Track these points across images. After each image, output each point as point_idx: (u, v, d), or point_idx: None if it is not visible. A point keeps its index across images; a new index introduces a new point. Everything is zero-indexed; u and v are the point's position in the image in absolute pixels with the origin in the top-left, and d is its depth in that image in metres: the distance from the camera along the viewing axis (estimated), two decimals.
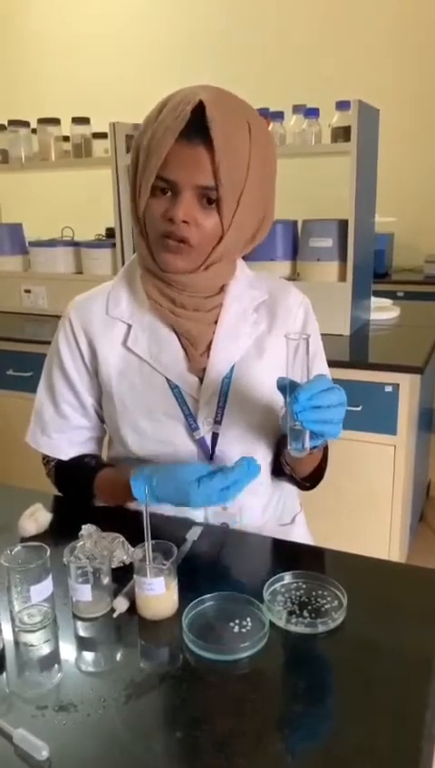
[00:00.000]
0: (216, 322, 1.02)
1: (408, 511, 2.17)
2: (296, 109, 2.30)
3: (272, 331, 1.04)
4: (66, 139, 2.66)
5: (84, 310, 1.05)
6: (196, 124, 0.85)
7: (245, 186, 0.89)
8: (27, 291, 2.76)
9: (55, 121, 2.60)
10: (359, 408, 1.94)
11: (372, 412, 1.96)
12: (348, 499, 2.04)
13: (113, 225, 2.55)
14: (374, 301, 2.58)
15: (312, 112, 2.24)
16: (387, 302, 2.69)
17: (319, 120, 2.25)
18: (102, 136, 2.57)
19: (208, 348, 1.01)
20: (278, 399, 1.03)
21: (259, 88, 2.46)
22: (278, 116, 2.28)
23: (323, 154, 2.33)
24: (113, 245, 2.59)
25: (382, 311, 2.58)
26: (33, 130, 2.66)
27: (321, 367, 1.10)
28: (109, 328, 1.03)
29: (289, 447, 0.86)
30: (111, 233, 2.97)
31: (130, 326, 1.02)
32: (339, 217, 2.20)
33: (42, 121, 2.60)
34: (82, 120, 2.56)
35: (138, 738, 0.64)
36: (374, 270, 2.54)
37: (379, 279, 2.99)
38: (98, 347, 1.03)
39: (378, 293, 2.66)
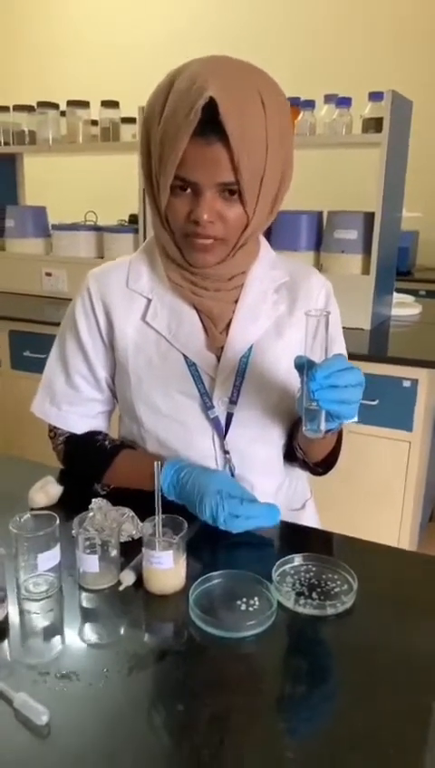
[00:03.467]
0: (236, 301, 1.00)
1: (419, 509, 2.14)
2: (328, 98, 2.27)
3: (292, 313, 1.02)
4: (94, 123, 2.65)
5: (104, 281, 1.04)
6: (209, 118, 0.81)
7: (265, 167, 0.87)
8: (48, 274, 2.76)
9: (84, 104, 2.59)
10: (375, 403, 1.92)
11: (388, 407, 1.93)
12: (359, 494, 2.01)
13: (137, 211, 2.55)
14: (396, 296, 2.55)
15: (344, 102, 2.20)
16: (409, 298, 2.66)
17: (350, 110, 2.22)
18: (131, 121, 2.57)
19: (228, 327, 1.00)
20: (295, 382, 1.01)
21: (291, 75, 2.43)
22: (309, 105, 2.26)
23: (353, 145, 2.31)
24: (135, 231, 2.59)
25: (404, 307, 2.55)
26: (62, 113, 2.66)
27: (339, 352, 1.08)
28: (128, 301, 1.02)
29: (304, 428, 0.84)
30: (133, 219, 2.97)
31: (149, 301, 1.01)
32: (364, 210, 2.17)
33: (71, 104, 2.59)
34: (111, 104, 2.56)
35: (138, 709, 0.63)
36: (397, 268, 2.51)
37: (401, 277, 2.96)
38: (115, 319, 1.02)
39: (400, 291, 2.62)
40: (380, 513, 2.02)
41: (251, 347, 1.00)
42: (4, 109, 2.72)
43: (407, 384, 1.92)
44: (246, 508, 0.88)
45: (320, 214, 2.36)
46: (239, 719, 0.62)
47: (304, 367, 0.79)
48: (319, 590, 0.80)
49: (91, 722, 0.62)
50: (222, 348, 1.00)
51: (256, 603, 0.77)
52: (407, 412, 1.94)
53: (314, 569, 0.84)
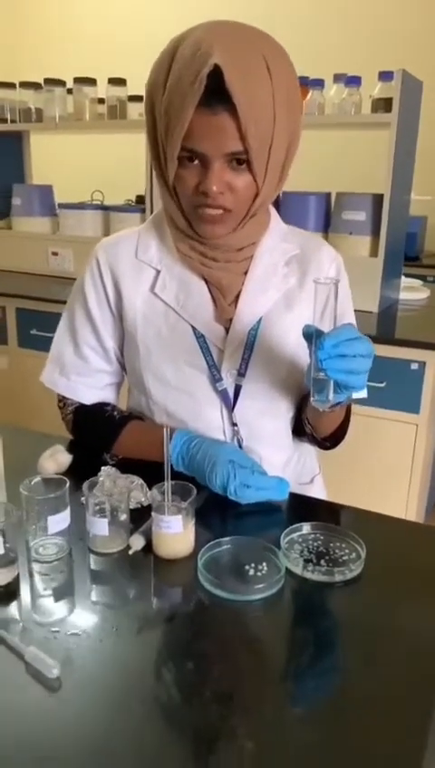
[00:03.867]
0: (246, 273, 1.00)
1: (425, 492, 2.15)
2: (337, 78, 2.25)
3: (302, 285, 1.02)
4: (101, 101, 2.63)
5: (113, 251, 1.03)
6: (214, 86, 0.79)
7: (273, 135, 0.85)
8: (54, 253, 2.75)
9: (91, 81, 2.57)
10: (383, 385, 1.92)
11: (395, 389, 1.93)
12: (365, 476, 2.02)
13: (144, 191, 2.53)
14: (404, 281, 2.54)
15: (353, 81, 2.18)
16: (417, 282, 2.65)
17: (360, 90, 2.20)
18: (138, 99, 2.54)
19: (237, 299, 1.00)
20: (304, 356, 1.01)
21: (300, 54, 2.40)
22: (318, 84, 2.23)
23: (362, 125, 2.29)
24: (142, 211, 2.57)
25: (412, 291, 2.54)
26: (69, 91, 2.64)
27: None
28: (137, 271, 1.01)
29: (312, 399, 0.84)
30: (140, 200, 2.95)
31: (158, 272, 1.01)
32: (373, 192, 2.15)
33: (78, 81, 2.57)
34: (119, 82, 2.53)
35: (148, 665, 0.64)
36: (405, 253, 2.50)
37: (410, 262, 2.94)
38: (124, 289, 1.02)
39: (408, 276, 2.61)
40: (386, 496, 2.03)
41: (260, 319, 1.00)
42: (10, 85, 2.69)
43: (414, 367, 1.92)
44: (257, 479, 0.89)
45: (328, 195, 2.34)
46: (248, 677, 0.63)
47: (313, 336, 0.79)
48: (327, 557, 0.80)
49: (102, 676, 0.63)
50: (231, 320, 0.99)
51: (265, 569, 0.77)
52: (414, 395, 1.93)
53: (321, 537, 0.84)
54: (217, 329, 1.00)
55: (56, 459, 0.99)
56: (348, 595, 0.75)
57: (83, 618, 0.70)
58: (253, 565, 0.77)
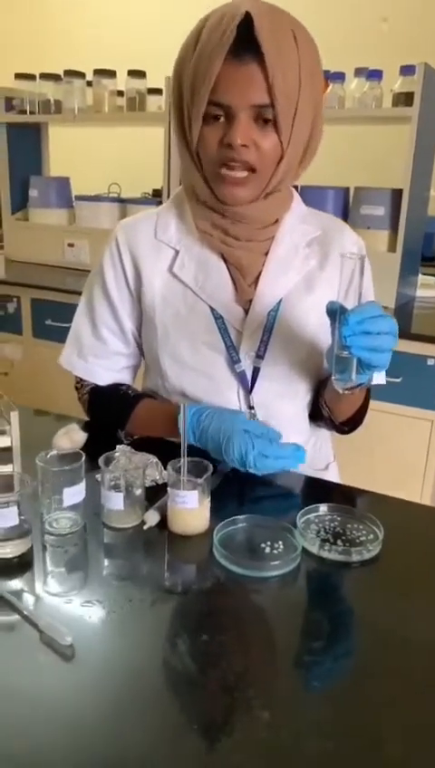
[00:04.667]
0: (266, 254, 0.99)
1: None
2: (358, 71, 2.24)
3: (323, 268, 1.01)
4: (121, 93, 2.63)
5: (132, 232, 1.03)
6: (243, 39, 0.81)
7: (299, 99, 0.86)
8: (70, 245, 2.76)
9: (111, 74, 2.57)
10: (399, 380, 1.90)
11: (412, 385, 1.91)
12: (380, 472, 1.99)
13: (160, 185, 2.53)
14: (422, 279, 2.52)
15: (374, 74, 2.17)
16: (434, 280, 2.62)
17: (381, 83, 2.18)
18: (157, 92, 2.54)
19: (256, 280, 0.99)
20: (323, 339, 1.00)
21: (321, 48, 2.39)
22: (339, 77, 2.22)
23: (383, 120, 2.27)
24: (159, 204, 2.57)
25: (429, 288, 2.51)
26: (89, 83, 2.64)
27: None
28: (156, 251, 1.01)
29: (334, 378, 0.83)
30: (157, 193, 2.95)
31: (177, 252, 1.00)
32: (392, 187, 2.14)
33: (97, 73, 2.57)
34: (138, 74, 2.53)
35: (162, 636, 0.63)
36: (423, 253, 2.47)
37: (427, 262, 2.91)
38: (143, 270, 1.01)
39: (426, 275, 2.59)
40: (398, 492, 2.00)
41: (280, 301, 0.99)
42: (31, 77, 2.70)
43: (431, 362, 1.90)
44: (275, 449, 0.87)
45: (347, 190, 2.33)
46: (263, 653, 0.62)
47: (337, 312, 0.78)
48: (343, 537, 0.79)
49: (116, 645, 0.62)
50: (250, 301, 0.98)
51: (281, 547, 0.76)
52: (431, 391, 1.91)
53: (338, 518, 0.83)
54: (237, 310, 0.99)
55: (71, 437, 0.98)
56: (365, 575, 0.74)
57: (97, 589, 0.69)
58: (269, 543, 0.76)
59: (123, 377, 1.11)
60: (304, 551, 0.76)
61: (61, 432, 1.00)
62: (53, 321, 2.43)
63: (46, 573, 0.73)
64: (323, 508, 0.84)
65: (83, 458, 0.79)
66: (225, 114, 0.85)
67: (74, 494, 0.78)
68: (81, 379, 1.11)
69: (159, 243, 1.01)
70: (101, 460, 0.80)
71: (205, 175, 0.92)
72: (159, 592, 0.69)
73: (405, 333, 1.97)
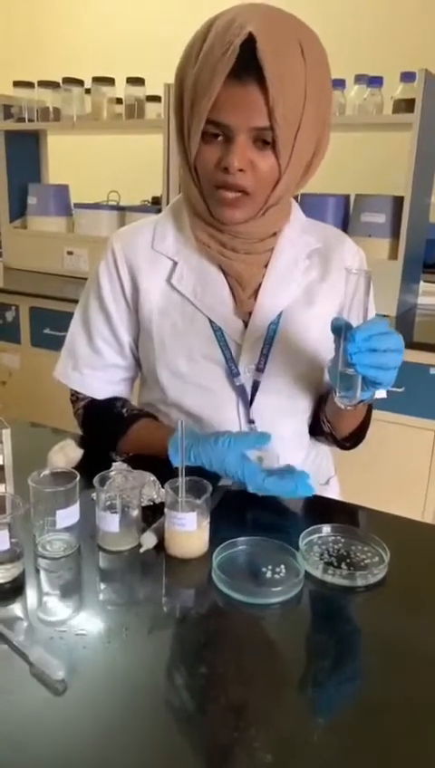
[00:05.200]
0: (266, 266, 0.96)
1: None
2: (359, 78, 2.22)
3: (324, 279, 0.99)
4: (119, 101, 2.62)
5: (129, 241, 1.00)
6: (246, 59, 0.78)
7: (301, 120, 0.83)
8: (69, 252, 2.74)
9: (110, 81, 2.56)
10: (401, 390, 1.87)
11: (413, 394, 1.88)
12: (381, 483, 1.97)
13: (160, 193, 2.51)
14: (423, 285, 2.49)
15: (375, 81, 2.15)
16: None
17: (382, 90, 2.16)
18: (156, 99, 2.53)
19: (256, 292, 0.96)
20: (324, 353, 0.98)
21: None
22: (339, 84, 2.20)
23: (384, 126, 2.25)
24: (158, 212, 2.55)
25: (431, 296, 2.49)
26: (87, 90, 2.63)
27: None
28: (153, 262, 0.98)
29: (337, 396, 0.80)
30: (156, 201, 2.94)
31: (175, 263, 0.98)
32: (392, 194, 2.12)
33: (96, 80, 2.56)
34: (137, 81, 2.52)
35: (158, 669, 0.60)
36: (425, 261, 2.45)
37: (428, 269, 2.89)
38: (140, 281, 0.98)
39: (427, 283, 2.56)
40: (402, 504, 1.97)
41: (280, 314, 0.96)
42: (29, 85, 2.69)
43: (434, 371, 1.87)
44: (275, 482, 0.84)
45: (347, 197, 2.31)
46: (265, 685, 0.59)
47: (342, 329, 0.75)
48: (348, 560, 0.76)
49: (110, 679, 0.59)
50: (250, 314, 0.96)
51: (283, 571, 0.73)
52: (433, 400, 1.89)
53: (342, 540, 0.80)
54: (236, 322, 0.96)
55: (66, 454, 0.96)
56: (370, 600, 0.71)
57: (91, 618, 0.67)
58: (270, 567, 0.74)
59: (120, 389, 1.08)
60: (307, 574, 0.73)
61: (56, 448, 0.97)
62: (51, 329, 2.41)
63: (39, 600, 0.70)
64: (326, 529, 0.81)
65: (77, 479, 0.76)
66: (223, 134, 0.83)
67: (68, 515, 0.75)
68: (76, 393, 1.08)
69: (156, 253, 0.99)
70: (96, 480, 0.77)
71: (202, 191, 0.90)
72: (155, 620, 0.66)
73: (407, 342, 1.91)
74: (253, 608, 0.68)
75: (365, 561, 0.76)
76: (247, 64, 0.78)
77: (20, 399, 2.54)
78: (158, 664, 0.61)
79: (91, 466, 0.94)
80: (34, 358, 2.50)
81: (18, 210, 2.89)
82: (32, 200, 2.83)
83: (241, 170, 0.83)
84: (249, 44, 0.77)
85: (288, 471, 0.85)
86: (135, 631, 0.64)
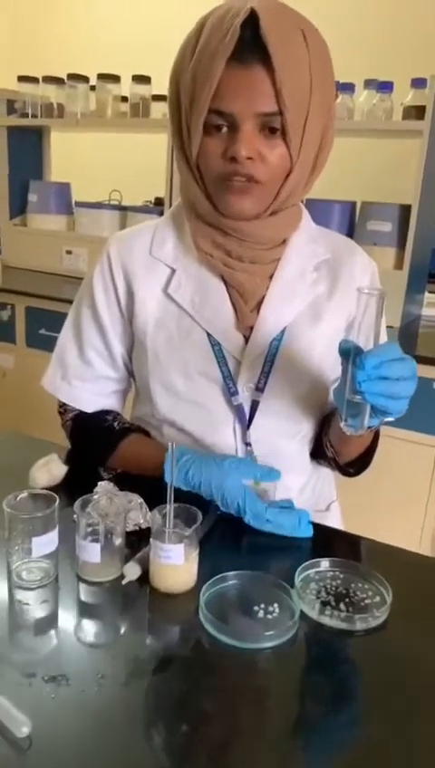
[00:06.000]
0: (271, 277, 0.90)
1: None
2: (368, 83, 2.17)
3: (332, 294, 0.93)
4: (124, 99, 2.57)
5: (126, 246, 0.95)
6: (247, 40, 0.73)
7: (309, 106, 0.77)
8: (69, 252, 2.68)
9: (115, 78, 2.51)
10: None
11: (414, 409, 1.80)
12: (379, 500, 1.91)
13: (163, 194, 2.46)
14: (428, 296, 2.44)
15: (385, 86, 2.10)
16: None
17: (392, 96, 2.11)
18: (162, 98, 2.47)
19: (259, 305, 0.90)
20: (329, 372, 0.92)
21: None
22: (348, 88, 2.15)
23: (393, 133, 2.20)
24: (161, 213, 2.50)
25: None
26: (92, 87, 2.57)
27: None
28: (150, 269, 0.93)
29: (343, 423, 0.75)
30: (159, 202, 2.88)
31: (173, 271, 0.92)
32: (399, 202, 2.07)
33: (101, 77, 2.50)
34: (143, 79, 2.47)
35: (136, 725, 0.54)
36: (431, 271, 2.40)
37: (434, 280, 2.84)
38: (136, 289, 0.93)
39: (432, 294, 2.51)
40: (401, 522, 1.92)
41: (284, 329, 0.90)
42: (33, 80, 2.64)
43: None
44: (276, 515, 0.80)
45: (353, 204, 2.26)
46: (253, 742, 0.53)
47: (351, 353, 0.70)
48: (347, 600, 0.70)
49: (81, 736, 0.53)
50: (251, 328, 0.90)
51: (276, 611, 0.67)
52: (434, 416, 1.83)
53: (341, 576, 0.74)
54: (236, 337, 0.90)
55: (50, 470, 0.90)
56: (371, 645, 0.66)
57: (65, 659, 0.61)
58: (262, 606, 0.68)
59: (111, 402, 1.02)
60: (303, 614, 0.68)
61: (39, 463, 0.92)
62: (46, 330, 2.35)
63: (9, 636, 0.64)
64: (324, 563, 0.75)
65: (56, 503, 0.70)
66: (228, 124, 0.77)
67: (45, 543, 0.69)
68: (64, 404, 1.02)
69: (154, 260, 0.93)
70: (76, 506, 0.72)
71: (206, 189, 0.84)
72: (134, 665, 0.60)
73: (410, 355, 1.89)
74: (243, 652, 0.63)
75: (366, 602, 0.70)
76: (250, 45, 0.73)
77: (13, 400, 2.48)
78: (134, 720, 0.55)
79: (76, 484, 0.89)
80: (29, 358, 2.45)
81: (19, 207, 2.83)
82: (32, 197, 2.78)
83: (250, 158, 0.77)
84: (250, 26, 0.73)
85: (288, 506, 0.80)
86: (111, 678, 0.58)
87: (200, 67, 0.75)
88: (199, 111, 0.77)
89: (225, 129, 0.78)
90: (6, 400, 2.52)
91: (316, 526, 0.84)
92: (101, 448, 0.95)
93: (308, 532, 0.81)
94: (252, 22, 0.73)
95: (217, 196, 0.83)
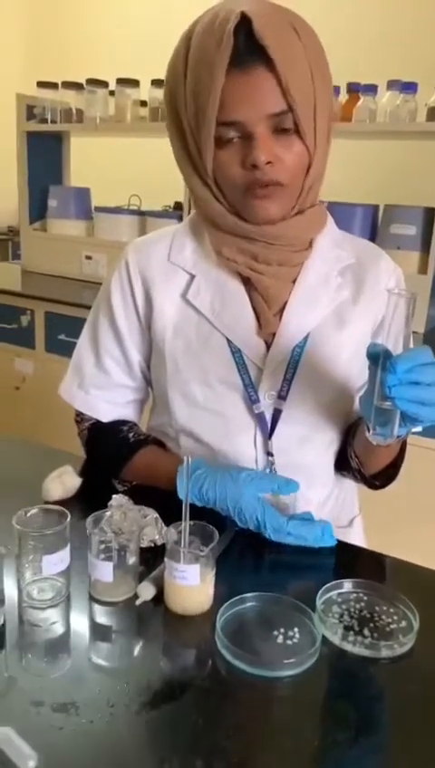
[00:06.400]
0: (294, 281, 0.87)
1: None
2: (391, 84, 2.12)
3: (357, 300, 0.89)
4: (143, 103, 2.56)
5: (144, 253, 0.92)
6: (242, 45, 0.71)
7: (315, 97, 0.76)
8: (88, 257, 2.68)
9: (134, 83, 2.50)
10: None
11: None
12: (404, 514, 1.86)
13: (182, 198, 2.44)
14: None
15: (409, 87, 2.05)
16: None
17: (416, 96, 2.06)
18: None
19: (282, 310, 0.87)
20: (354, 380, 0.89)
21: (352, 59, 2.27)
22: (370, 90, 2.11)
23: (417, 135, 2.16)
24: (180, 218, 2.48)
25: None
26: (111, 92, 2.57)
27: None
28: (169, 276, 0.90)
29: (371, 433, 0.71)
30: (178, 206, 2.86)
31: (192, 276, 0.89)
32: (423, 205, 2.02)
33: (120, 82, 2.50)
34: (162, 84, 2.44)
35: (147, 760, 0.51)
36: None
37: None
38: (155, 296, 0.90)
39: None
40: (427, 536, 1.86)
41: (307, 336, 0.87)
42: (53, 85, 2.64)
43: None
44: (297, 527, 0.77)
45: (376, 207, 2.21)
46: None
47: (380, 357, 0.66)
48: (372, 625, 0.67)
49: None
50: (273, 334, 0.87)
51: (296, 636, 0.64)
52: None
53: (365, 598, 0.71)
54: (257, 343, 0.87)
55: (63, 482, 0.88)
56: (397, 674, 0.62)
57: (75, 686, 0.58)
58: (282, 630, 0.64)
59: (127, 412, 1.00)
60: (324, 639, 0.64)
61: (53, 475, 0.89)
62: (66, 335, 2.34)
63: (18, 658, 0.62)
64: (347, 585, 0.72)
65: (68, 520, 0.68)
66: (239, 133, 0.76)
67: (55, 561, 0.67)
68: (81, 413, 1.00)
69: (172, 266, 0.90)
70: (88, 522, 0.69)
71: (227, 202, 0.82)
72: (147, 694, 0.57)
73: None
74: (260, 680, 0.59)
75: (391, 626, 0.67)
76: (246, 49, 0.71)
77: (33, 406, 2.48)
78: (147, 753, 0.52)
79: (90, 497, 0.87)
80: (48, 364, 2.44)
81: (38, 212, 2.84)
82: (52, 202, 2.78)
83: (269, 163, 0.76)
84: (243, 30, 0.71)
85: (309, 518, 0.77)
86: (123, 707, 0.55)
87: (199, 81, 0.74)
88: (208, 127, 0.75)
89: (237, 139, 0.76)
90: (26, 405, 2.52)
91: (339, 544, 0.80)
92: (115, 460, 0.93)
93: (332, 542, 0.78)
94: (244, 25, 0.71)
95: (242, 206, 0.81)
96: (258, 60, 0.71)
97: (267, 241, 0.83)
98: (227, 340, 0.87)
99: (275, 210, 0.80)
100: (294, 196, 0.81)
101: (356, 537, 1.00)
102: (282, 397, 0.87)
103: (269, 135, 0.75)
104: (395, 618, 0.68)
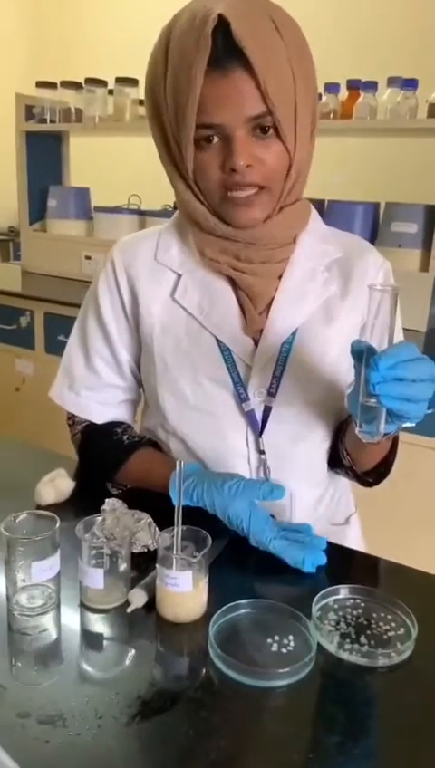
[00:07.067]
0: (280, 278, 0.86)
1: None
2: (392, 81, 2.10)
3: (345, 295, 0.88)
4: (142, 102, 2.54)
5: (130, 252, 0.91)
6: (221, 47, 0.70)
7: (296, 96, 0.75)
8: (88, 257, 2.66)
9: (133, 82, 2.48)
10: (430, 411, 1.74)
11: None
12: (402, 514, 1.84)
13: None
14: None
15: (409, 83, 2.03)
16: None
17: (417, 93, 2.04)
18: None
19: (268, 308, 0.86)
20: (344, 375, 0.87)
21: (352, 56, 2.26)
22: (370, 86, 2.09)
23: (417, 131, 2.14)
24: None
25: None
26: (110, 91, 2.55)
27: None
28: (156, 275, 0.89)
29: (358, 430, 0.70)
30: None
31: (179, 276, 0.88)
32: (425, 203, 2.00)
33: (119, 81, 2.48)
34: None
35: None
36: None
37: None
38: (141, 295, 0.89)
39: None
40: (427, 537, 1.85)
41: (295, 332, 0.86)
42: (52, 85, 2.63)
43: None
44: (283, 550, 0.75)
45: (376, 205, 2.19)
46: None
47: (364, 354, 0.65)
48: (369, 632, 0.65)
49: None
50: (261, 331, 0.86)
51: (291, 644, 0.62)
52: None
53: (362, 605, 0.69)
54: (245, 341, 0.86)
55: (56, 486, 0.87)
56: (393, 684, 0.60)
57: (63, 696, 0.57)
58: (277, 638, 0.63)
59: (120, 413, 0.98)
60: (320, 646, 0.62)
61: (46, 479, 0.88)
62: (66, 336, 2.31)
63: (6, 670, 0.60)
64: (343, 591, 0.70)
65: (57, 525, 0.66)
66: (219, 135, 0.75)
67: (44, 568, 0.65)
68: (73, 415, 0.99)
69: (159, 265, 0.89)
70: (79, 527, 0.68)
71: (209, 204, 0.81)
72: (138, 705, 0.56)
73: None
74: (254, 689, 0.58)
75: (389, 634, 0.65)
76: (224, 50, 0.70)
77: (33, 406, 2.47)
78: (135, 767, 0.50)
79: (83, 501, 0.86)
80: (48, 365, 2.43)
81: (38, 212, 2.83)
82: (52, 203, 2.77)
83: (249, 166, 0.75)
84: (221, 31, 0.70)
85: (301, 532, 0.75)
86: (112, 719, 0.54)
87: (178, 82, 0.73)
88: (187, 128, 0.74)
89: (216, 140, 0.75)
90: (27, 406, 2.50)
91: (335, 547, 0.79)
92: (109, 463, 0.91)
93: (311, 569, 0.74)
94: (222, 26, 0.70)
95: (223, 209, 0.81)
96: (237, 62, 0.70)
97: (250, 242, 0.82)
98: (216, 338, 0.86)
99: (257, 214, 0.80)
100: (276, 197, 0.80)
101: (353, 534, 0.99)
102: (271, 394, 0.86)
103: (248, 137, 0.74)
104: (393, 625, 0.66)
